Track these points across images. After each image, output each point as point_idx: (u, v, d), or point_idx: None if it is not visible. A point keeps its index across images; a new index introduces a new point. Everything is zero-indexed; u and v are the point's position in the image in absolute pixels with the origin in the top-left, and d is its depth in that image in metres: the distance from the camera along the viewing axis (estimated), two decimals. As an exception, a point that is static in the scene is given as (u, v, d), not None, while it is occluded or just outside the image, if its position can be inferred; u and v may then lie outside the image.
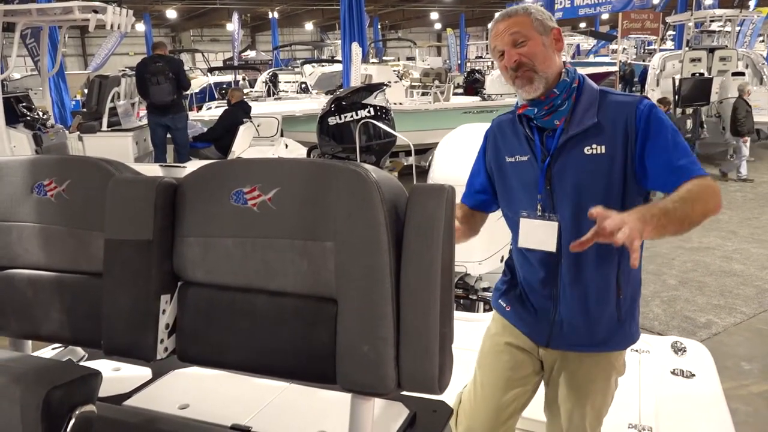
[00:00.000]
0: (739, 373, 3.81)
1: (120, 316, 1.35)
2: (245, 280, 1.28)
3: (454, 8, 32.22)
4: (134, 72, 7.63)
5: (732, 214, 7.61)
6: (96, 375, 1.18)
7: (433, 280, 1.15)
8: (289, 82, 16.73)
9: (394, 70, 14.16)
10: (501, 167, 1.77)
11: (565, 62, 1.68)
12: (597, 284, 1.66)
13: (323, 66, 17.10)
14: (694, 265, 5.91)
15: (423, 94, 12.11)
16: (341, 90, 9.51)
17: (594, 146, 1.59)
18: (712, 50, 12.18)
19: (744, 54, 12.46)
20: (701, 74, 11.37)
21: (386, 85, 8.45)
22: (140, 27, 23.27)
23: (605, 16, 24.31)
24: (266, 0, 28.47)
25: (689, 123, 10.22)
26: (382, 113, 7.44)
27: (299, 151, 8.48)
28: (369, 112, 7.30)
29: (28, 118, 7.05)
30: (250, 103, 8.92)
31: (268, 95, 13.88)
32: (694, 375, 2.32)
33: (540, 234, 1.65)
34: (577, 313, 1.68)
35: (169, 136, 7.56)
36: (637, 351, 2.43)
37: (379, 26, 31.02)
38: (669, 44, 19.42)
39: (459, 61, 27.95)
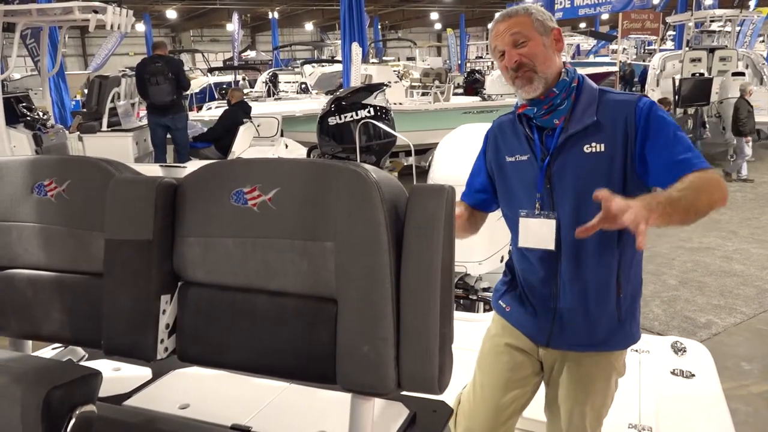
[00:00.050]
0: (739, 374, 3.81)
1: (120, 316, 1.35)
2: (245, 280, 1.28)
3: (454, 8, 32.23)
4: (134, 72, 7.63)
5: (732, 214, 7.61)
6: (96, 375, 1.18)
7: (433, 280, 1.15)
8: (289, 82, 16.74)
9: (394, 71, 14.17)
10: (501, 167, 1.77)
11: (565, 62, 1.69)
12: (597, 283, 1.66)
13: (323, 66, 17.10)
14: (694, 265, 5.91)
15: (423, 94, 12.11)
16: (341, 90, 9.51)
17: (593, 144, 1.59)
18: (712, 50, 12.19)
19: (744, 54, 12.46)
20: (701, 74, 11.38)
21: (386, 86, 8.45)
22: (140, 27, 23.28)
23: (605, 17, 24.32)
24: (266, 0, 28.47)
25: (690, 123, 10.23)
26: (382, 113, 7.44)
27: (299, 151, 8.48)
28: (369, 112, 7.30)
29: (28, 118, 7.05)
30: (250, 104, 8.93)
31: (268, 95, 13.89)
32: (694, 375, 2.32)
33: (538, 232, 1.65)
34: (577, 312, 1.68)
35: (169, 136, 7.56)
36: (637, 351, 2.43)
37: (379, 26, 31.03)
38: (669, 44, 19.43)
39: (459, 62, 27.96)
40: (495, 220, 1.92)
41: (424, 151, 8.90)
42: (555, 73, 1.63)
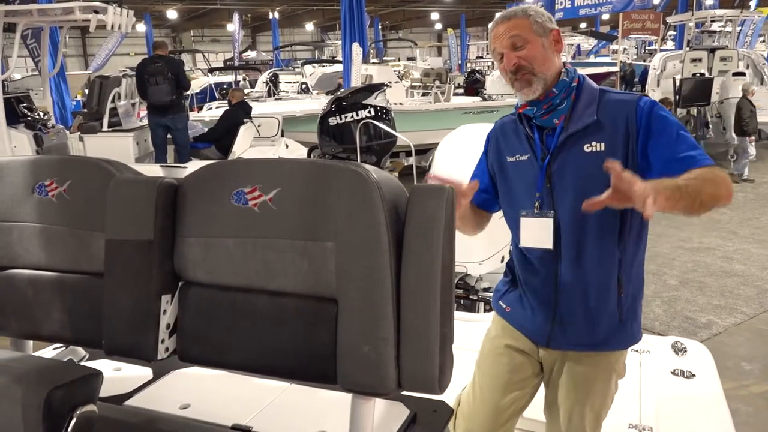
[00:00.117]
0: (739, 374, 3.81)
1: (121, 316, 1.35)
2: (246, 280, 1.28)
3: (455, 8, 32.23)
4: (134, 72, 7.63)
5: (732, 215, 7.60)
6: (97, 375, 1.19)
7: (434, 281, 1.15)
8: (290, 82, 16.74)
9: (395, 71, 14.16)
10: (502, 167, 1.77)
11: (565, 62, 1.69)
12: (597, 282, 1.65)
13: (324, 66, 17.11)
14: (695, 265, 5.90)
15: (423, 94, 12.11)
16: (342, 90, 9.51)
17: (594, 143, 1.59)
18: (712, 50, 12.18)
19: (745, 54, 12.45)
20: (702, 74, 11.37)
21: (387, 86, 8.46)
22: (141, 27, 23.28)
23: (606, 17, 24.31)
24: (267, 0, 28.48)
25: (691, 123, 10.22)
26: (383, 113, 7.45)
27: (300, 152, 8.48)
28: (369, 112, 7.31)
29: (29, 118, 7.05)
30: (251, 104, 8.93)
31: (269, 95, 13.89)
32: (694, 375, 2.32)
33: (537, 232, 1.65)
34: (577, 311, 1.68)
35: (169, 136, 7.56)
36: (637, 351, 2.43)
37: (380, 26, 31.03)
38: (670, 44, 19.41)
39: (459, 62, 27.97)
40: (495, 220, 1.92)
41: (425, 151, 8.90)
42: (554, 74, 1.63)
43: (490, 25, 1.71)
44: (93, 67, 18.44)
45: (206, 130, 8.60)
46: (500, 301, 1.86)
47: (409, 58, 27.44)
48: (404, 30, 39.04)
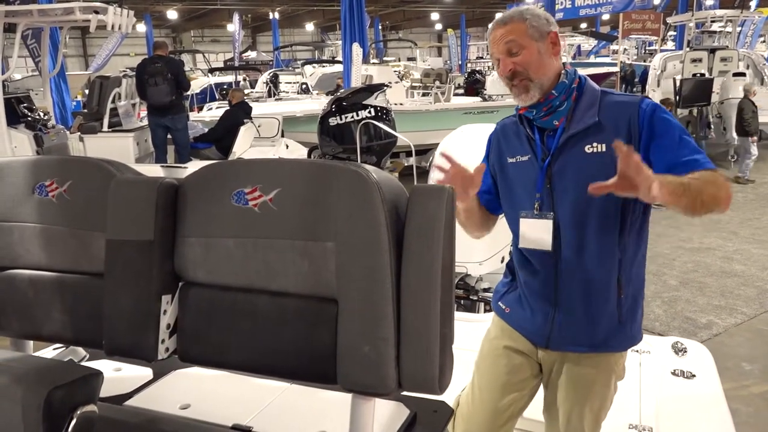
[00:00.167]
0: (739, 374, 3.81)
1: (121, 317, 1.35)
2: (246, 280, 1.28)
3: (455, 9, 32.24)
4: (134, 73, 7.64)
5: (733, 215, 7.60)
6: (97, 375, 1.19)
7: (434, 281, 1.15)
8: (290, 82, 16.75)
9: (395, 71, 14.17)
10: (503, 168, 1.77)
11: (565, 63, 1.69)
12: (597, 283, 1.65)
13: (324, 67, 17.11)
14: (695, 265, 5.90)
15: (424, 94, 12.12)
16: (342, 90, 9.51)
17: (595, 145, 1.59)
18: (713, 51, 12.17)
19: (745, 54, 12.45)
20: (702, 75, 11.37)
21: (387, 86, 8.46)
22: (141, 27, 23.29)
23: (606, 17, 24.31)
24: (267, 1, 28.49)
25: (691, 123, 10.21)
26: (383, 114, 7.44)
27: (300, 152, 8.48)
28: (370, 112, 7.31)
29: (29, 118, 7.05)
30: (251, 104, 8.93)
31: (269, 96, 13.90)
32: (694, 375, 2.32)
33: (537, 233, 1.65)
34: (576, 312, 1.68)
35: (169, 136, 7.56)
36: (637, 351, 2.43)
37: (380, 27, 31.04)
38: (670, 45, 19.41)
39: (460, 62, 27.96)
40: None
41: (425, 151, 8.91)
42: (552, 77, 1.63)
43: (489, 28, 1.72)
44: (93, 68, 18.44)
45: (206, 130, 8.60)
46: (500, 302, 1.86)
47: (409, 59, 27.45)
48: (404, 30, 39.04)
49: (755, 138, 9.56)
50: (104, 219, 1.37)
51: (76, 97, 14.63)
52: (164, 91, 7.19)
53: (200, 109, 12.79)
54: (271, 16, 28.36)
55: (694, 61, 11.74)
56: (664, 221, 6.78)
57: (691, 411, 2.16)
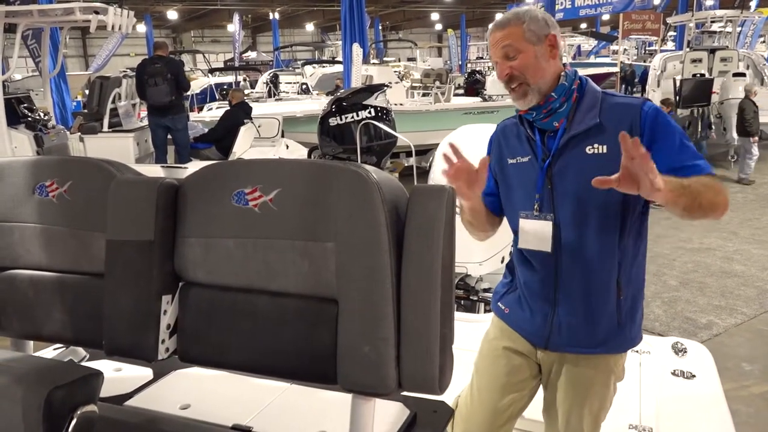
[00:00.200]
0: (740, 374, 3.81)
1: (121, 317, 1.35)
2: (246, 280, 1.29)
3: (455, 9, 32.24)
4: (134, 73, 7.64)
5: (733, 215, 7.60)
6: (97, 375, 1.19)
7: (434, 281, 1.15)
8: (290, 83, 16.76)
9: (395, 71, 14.17)
10: (503, 169, 1.77)
11: (565, 64, 1.68)
12: (596, 284, 1.65)
13: (324, 67, 17.12)
14: (695, 265, 5.90)
15: (424, 94, 12.13)
16: (342, 91, 9.51)
17: (596, 146, 1.59)
18: (713, 51, 12.17)
19: (745, 55, 12.45)
20: (702, 75, 11.37)
21: (387, 86, 8.46)
22: (141, 28, 23.31)
23: (606, 17, 24.31)
24: (267, 1, 28.50)
25: (690, 123, 10.20)
26: (383, 114, 7.44)
27: (300, 152, 8.48)
28: (370, 112, 7.31)
29: (30, 119, 7.05)
30: (251, 104, 8.93)
31: (269, 96, 13.90)
32: (694, 376, 2.32)
33: (536, 234, 1.66)
34: (575, 313, 1.68)
35: (169, 137, 7.56)
36: (637, 352, 2.43)
37: (380, 27, 31.05)
38: (670, 45, 19.41)
39: (460, 62, 27.96)
40: (496, 220, 1.92)
41: (425, 151, 8.90)
42: (550, 80, 1.63)
43: (488, 29, 1.72)
44: (93, 68, 18.44)
45: (207, 130, 8.60)
46: (499, 303, 1.86)
47: (409, 59, 27.46)
48: (404, 30, 39.05)
49: (756, 138, 9.54)
50: (104, 219, 1.37)
51: (77, 98, 14.63)
52: (164, 92, 7.20)
53: (200, 109, 12.80)
54: (271, 17, 28.37)
55: (694, 61, 11.74)
56: (665, 221, 6.78)
57: (692, 411, 2.16)
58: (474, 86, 13.43)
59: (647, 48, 24.79)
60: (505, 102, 10.72)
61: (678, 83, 10.52)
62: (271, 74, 15.56)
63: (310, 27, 34.86)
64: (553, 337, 1.71)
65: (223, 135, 8.04)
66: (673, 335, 3.63)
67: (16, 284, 1.52)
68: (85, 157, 4.27)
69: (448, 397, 1.35)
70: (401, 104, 10.46)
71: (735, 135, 10.00)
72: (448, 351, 1.20)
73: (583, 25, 30.89)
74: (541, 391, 1.85)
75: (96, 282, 1.41)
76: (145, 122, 7.74)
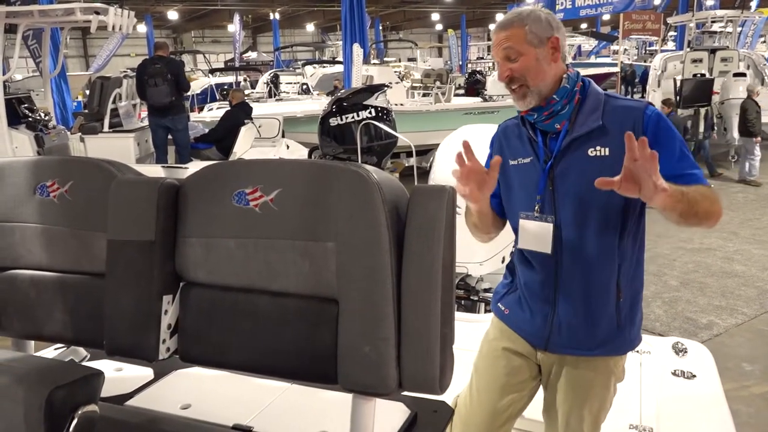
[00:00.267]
0: (740, 374, 3.81)
1: (122, 317, 1.35)
2: (247, 280, 1.29)
3: (455, 9, 32.23)
4: (135, 73, 7.64)
5: (733, 215, 7.61)
6: (98, 375, 1.19)
7: (434, 281, 1.15)
8: (291, 83, 16.77)
9: (396, 71, 14.18)
10: (504, 170, 1.77)
11: (568, 66, 1.68)
12: (596, 286, 1.65)
13: (324, 67, 17.13)
14: (696, 266, 5.90)
15: (424, 95, 12.14)
16: (342, 91, 9.52)
17: (598, 148, 1.59)
18: (713, 51, 12.17)
19: (745, 55, 12.44)
20: (702, 75, 11.36)
21: (387, 86, 8.47)
22: (142, 28, 23.33)
23: (606, 17, 24.32)
24: (267, 1, 28.51)
25: (690, 123, 10.19)
26: (384, 114, 7.44)
27: (300, 152, 8.48)
28: (370, 113, 7.31)
29: (30, 119, 7.05)
30: (252, 104, 8.93)
31: (270, 96, 13.92)
32: (695, 376, 2.32)
33: (537, 234, 1.66)
34: (575, 315, 1.68)
35: (170, 137, 7.57)
36: (638, 352, 2.43)
37: (380, 27, 31.05)
38: (670, 45, 19.40)
39: (460, 62, 27.94)
40: (496, 221, 1.92)
41: (426, 151, 8.90)
42: (551, 83, 1.63)
43: (491, 29, 1.72)
44: (94, 68, 18.45)
45: (207, 130, 8.61)
46: (499, 303, 1.86)
47: (409, 59, 27.47)
48: (405, 31, 39.05)
49: (758, 139, 9.52)
50: (105, 219, 1.37)
51: (77, 98, 14.65)
52: (164, 92, 7.20)
53: (201, 109, 12.82)
54: (271, 17, 28.38)
55: (694, 61, 11.74)
56: (665, 221, 6.77)
57: (692, 411, 2.16)
58: (474, 86, 13.43)
59: (648, 48, 24.78)
60: (506, 102, 10.73)
61: (678, 83, 10.52)
62: (271, 74, 15.58)
63: (310, 27, 34.86)
64: (553, 338, 1.71)
65: (223, 135, 8.05)
66: (674, 335, 3.63)
67: (17, 284, 1.52)
68: (86, 157, 4.27)
69: (448, 397, 1.35)
70: (402, 104, 10.46)
71: (735, 135, 9.99)
72: (449, 351, 1.20)
73: (584, 25, 30.88)
74: (540, 392, 1.85)
75: (97, 282, 1.41)
76: (146, 122, 7.74)
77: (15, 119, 6.81)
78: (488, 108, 10.85)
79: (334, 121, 7.38)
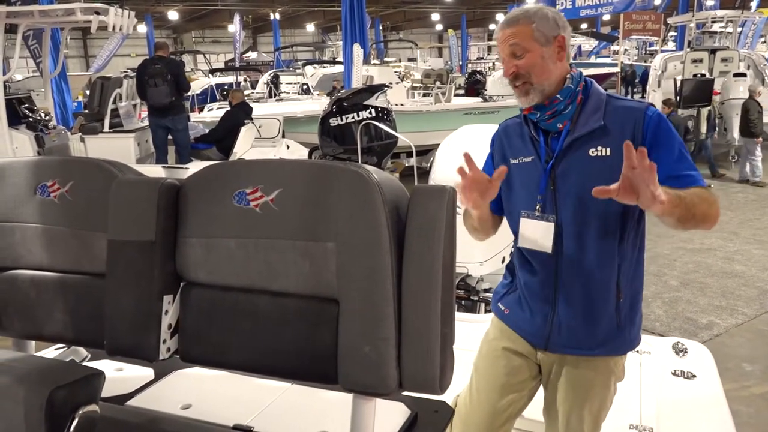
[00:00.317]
0: (740, 375, 3.81)
1: (123, 317, 1.35)
2: (248, 280, 1.29)
3: (456, 9, 32.22)
4: (135, 74, 7.65)
5: (733, 215, 7.61)
6: (99, 375, 1.19)
7: (435, 281, 1.15)
8: (291, 83, 16.78)
9: (396, 71, 14.19)
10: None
11: (572, 66, 1.69)
12: (596, 285, 1.66)
13: (325, 67, 17.14)
14: (696, 266, 5.90)
15: (424, 95, 12.15)
16: (342, 91, 9.52)
17: (599, 148, 1.60)
18: (713, 51, 12.17)
19: (746, 55, 12.44)
20: (703, 75, 11.36)
21: (387, 86, 8.47)
22: (142, 28, 23.35)
23: (607, 17, 24.31)
24: (268, 1, 28.51)
25: (690, 124, 10.19)
26: (384, 114, 7.45)
27: (301, 153, 8.48)
28: (370, 113, 7.31)
29: (30, 119, 7.05)
30: (252, 105, 8.93)
31: (270, 96, 13.92)
32: (695, 376, 2.32)
33: (537, 234, 1.66)
34: (575, 315, 1.68)
35: (170, 137, 7.57)
36: (638, 352, 2.43)
37: (381, 27, 31.05)
38: (670, 45, 19.41)
39: (460, 62, 27.95)
40: (496, 221, 1.92)
41: (426, 152, 8.90)
42: (555, 82, 1.63)
43: (498, 25, 1.72)
44: (94, 68, 18.45)
45: (207, 131, 8.61)
46: (499, 303, 1.86)
47: (409, 59, 27.48)
48: (405, 31, 39.06)
49: (760, 139, 9.49)
50: (106, 219, 1.37)
51: (77, 98, 14.64)
52: (164, 92, 7.20)
53: (201, 109, 12.82)
54: (271, 17, 28.39)
55: (694, 61, 11.74)
56: (665, 222, 6.78)
57: (692, 411, 2.16)
58: (474, 86, 13.44)
59: (648, 48, 24.79)
60: (506, 102, 10.74)
61: (679, 83, 10.52)
62: (271, 75, 15.59)
63: (310, 27, 34.87)
64: (553, 337, 1.71)
65: (223, 135, 8.05)
66: (674, 335, 3.63)
67: (18, 284, 1.52)
68: (87, 158, 4.27)
69: (448, 397, 1.35)
70: (402, 104, 10.46)
71: (736, 135, 9.98)
72: (449, 351, 1.20)
73: (584, 26, 30.88)
74: (541, 391, 1.85)
75: (97, 282, 1.41)
76: (146, 123, 7.74)
77: (15, 119, 6.81)
78: (488, 108, 10.85)
79: (334, 122, 7.39)
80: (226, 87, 15.98)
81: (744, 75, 11.13)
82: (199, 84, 15.91)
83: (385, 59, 24.33)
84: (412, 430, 1.43)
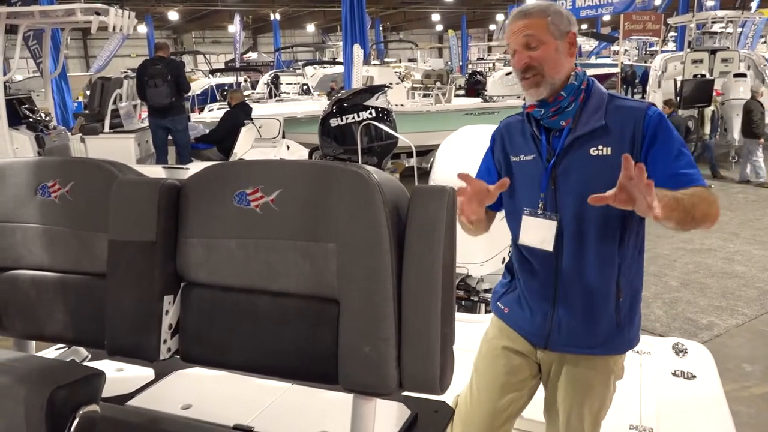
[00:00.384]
0: (740, 375, 3.81)
1: (123, 317, 1.35)
2: (248, 281, 1.29)
3: (456, 10, 32.23)
4: (135, 74, 7.65)
5: (733, 216, 7.61)
6: (99, 375, 1.19)
7: (435, 281, 1.15)
8: (291, 83, 16.79)
9: (396, 72, 14.19)
10: (507, 167, 1.78)
11: (576, 64, 1.69)
12: (596, 285, 1.66)
13: (325, 68, 17.15)
14: (696, 266, 5.90)
15: (424, 95, 12.16)
16: (343, 92, 9.52)
17: (600, 147, 1.60)
18: (713, 52, 12.17)
19: (746, 55, 12.45)
20: (703, 76, 11.36)
21: (388, 87, 8.47)
22: (142, 29, 23.37)
23: (607, 18, 24.33)
24: (268, 2, 28.53)
25: (691, 124, 10.19)
26: (384, 115, 7.45)
27: (301, 153, 8.48)
28: (370, 113, 7.31)
29: (31, 119, 7.06)
30: (252, 105, 8.93)
31: (270, 97, 13.93)
32: (695, 376, 2.32)
33: (539, 232, 1.66)
34: (575, 314, 1.68)
35: (170, 137, 7.57)
36: (638, 352, 2.43)
37: (381, 28, 31.07)
38: (671, 46, 19.42)
39: (460, 63, 27.96)
40: (497, 222, 1.92)
41: (426, 152, 8.91)
42: (564, 77, 1.63)
43: (507, 19, 1.71)
44: (94, 69, 18.46)
45: (207, 131, 8.61)
46: (498, 303, 1.86)
47: (410, 60, 27.50)
48: (405, 31, 39.08)
49: (762, 140, 9.48)
50: (106, 220, 1.38)
51: (78, 99, 14.65)
52: (164, 93, 7.20)
53: (201, 110, 12.83)
54: (272, 17, 28.41)
55: (695, 62, 11.74)
56: (665, 222, 6.77)
57: (692, 412, 2.16)
58: (475, 87, 13.46)
59: (648, 49, 24.80)
60: (506, 103, 10.76)
61: (679, 84, 10.52)
62: (271, 75, 15.60)
63: (310, 28, 34.88)
64: (553, 336, 1.72)
65: (223, 136, 8.05)
66: (674, 336, 3.63)
67: (19, 284, 1.52)
68: (87, 158, 4.27)
69: (449, 397, 1.35)
70: (402, 105, 10.47)
71: (736, 136, 9.98)
72: (449, 351, 1.21)
73: (584, 26, 30.81)
74: (541, 391, 1.86)
75: (98, 282, 1.41)
76: (146, 123, 7.74)
77: (16, 120, 6.82)
78: (488, 108, 10.86)
79: (334, 122, 7.39)
80: (226, 87, 15.98)
81: (744, 75, 11.14)
82: (199, 84, 15.92)
83: (386, 60, 24.35)
84: (412, 430, 1.43)
